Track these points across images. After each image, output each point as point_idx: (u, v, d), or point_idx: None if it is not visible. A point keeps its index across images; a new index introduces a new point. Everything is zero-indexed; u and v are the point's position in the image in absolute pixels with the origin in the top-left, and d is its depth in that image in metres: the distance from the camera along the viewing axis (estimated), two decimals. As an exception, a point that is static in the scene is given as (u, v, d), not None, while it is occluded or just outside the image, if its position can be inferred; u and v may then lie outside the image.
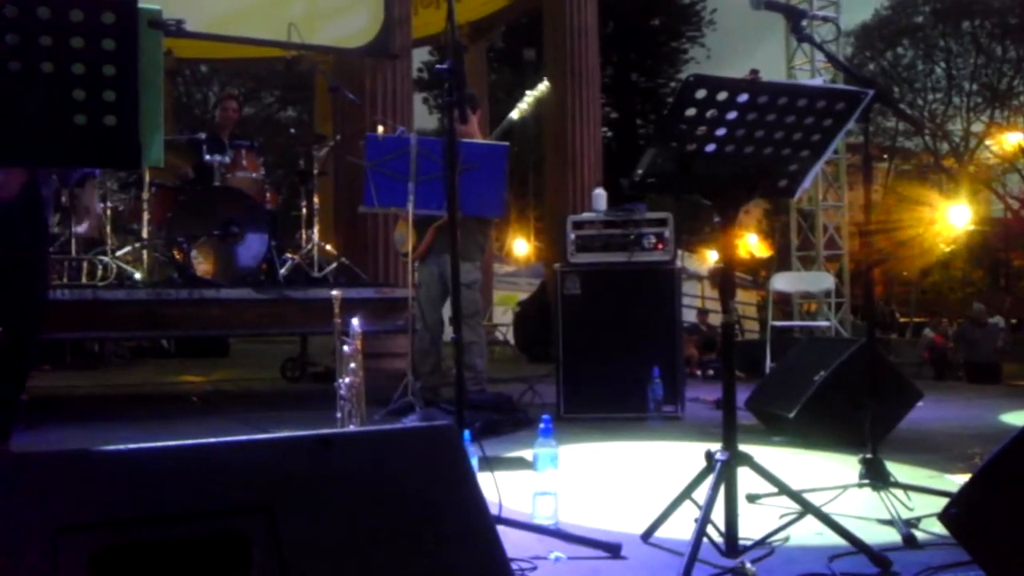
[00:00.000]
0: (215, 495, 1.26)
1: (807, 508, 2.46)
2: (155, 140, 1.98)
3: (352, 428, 3.01)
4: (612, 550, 2.44)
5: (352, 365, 3.00)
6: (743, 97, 2.32)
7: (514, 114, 5.20)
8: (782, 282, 9.35)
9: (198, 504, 1.23)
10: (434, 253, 5.41)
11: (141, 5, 1.79)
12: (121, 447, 1.26)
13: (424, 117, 28.26)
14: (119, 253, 5.94)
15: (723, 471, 2.34)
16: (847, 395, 4.18)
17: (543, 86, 5.18)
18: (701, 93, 2.28)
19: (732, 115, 2.33)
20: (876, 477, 3.06)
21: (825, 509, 2.52)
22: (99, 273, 5.71)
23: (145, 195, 6.00)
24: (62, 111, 1.87)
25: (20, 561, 1.10)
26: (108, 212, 6.03)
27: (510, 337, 13.41)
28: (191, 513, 1.22)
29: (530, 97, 5.14)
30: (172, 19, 2.02)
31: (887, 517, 2.71)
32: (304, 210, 6.81)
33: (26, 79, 1.83)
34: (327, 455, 1.33)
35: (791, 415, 4.32)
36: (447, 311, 5.44)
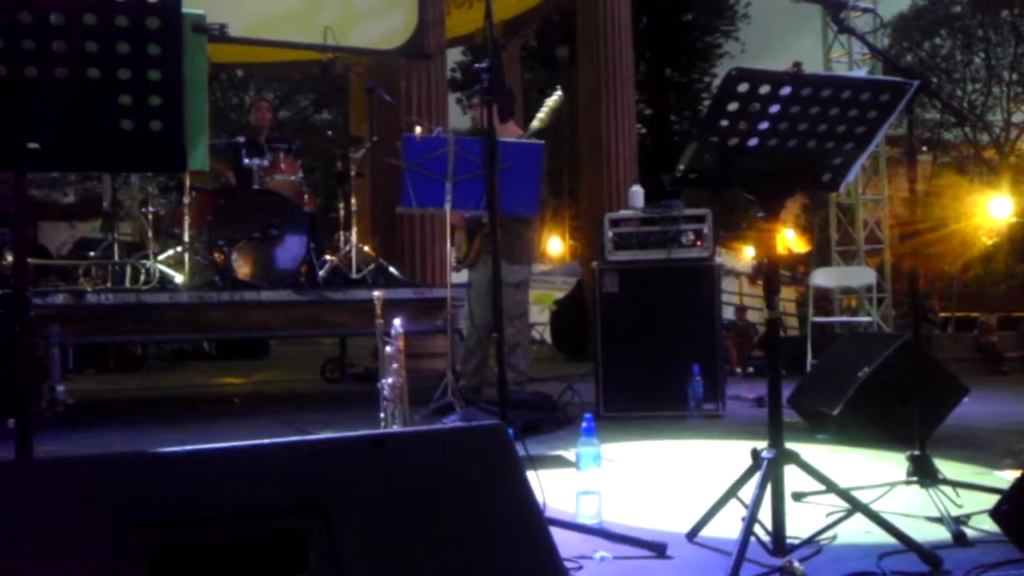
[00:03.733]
0: (271, 496, 1.26)
1: (855, 506, 2.43)
2: (200, 144, 2.00)
3: (399, 428, 3.02)
4: (658, 549, 2.43)
5: (395, 366, 3.01)
6: (786, 90, 2.29)
7: (535, 124, 5.20)
8: (822, 277, 9.26)
9: (255, 505, 1.24)
10: (484, 255, 5.42)
11: (185, 10, 1.80)
12: (178, 449, 1.27)
13: (457, 117, 28.29)
14: (161, 257, 6.01)
15: (770, 469, 2.31)
16: (891, 391, 4.13)
17: (556, 96, 5.17)
18: (743, 87, 2.26)
19: (775, 108, 2.31)
20: (924, 474, 3.02)
21: (873, 507, 2.49)
22: (142, 277, 5.79)
23: (186, 199, 6.06)
24: (108, 116, 1.89)
25: (82, 563, 1.11)
26: (150, 217, 6.10)
27: (547, 336, 13.39)
28: (248, 514, 1.23)
29: (546, 107, 5.14)
30: (215, 24, 2.04)
31: (936, 514, 2.67)
32: (342, 212, 6.84)
33: (73, 85, 1.86)
34: (380, 455, 1.33)
35: (835, 412, 4.27)
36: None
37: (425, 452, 1.41)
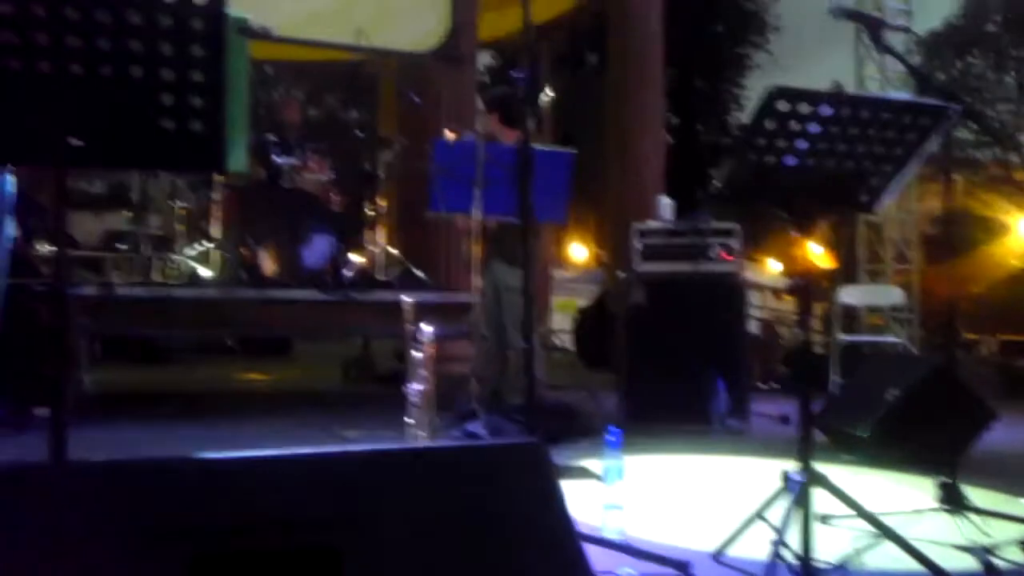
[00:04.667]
0: (308, 507, 1.26)
1: (884, 532, 2.40)
2: (239, 145, 2.01)
3: (426, 436, 3.02)
4: (682, 568, 2.41)
5: (423, 372, 3.01)
6: (825, 109, 2.28)
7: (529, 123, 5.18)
8: (849, 295, 9.18)
9: (291, 515, 1.24)
10: (489, 259, 5.40)
11: (230, 13, 1.81)
12: (215, 455, 1.27)
13: (485, 118, 28.22)
14: (189, 252, 6.05)
15: (800, 492, 2.29)
16: (921, 415, 4.09)
17: (547, 97, 5.15)
18: (783, 105, 2.25)
19: (814, 128, 2.29)
20: (952, 501, 2.98)
21: (901, 533, 2.46)
22: (170, 271, 5.82)
23: (215, 195, 6.09)
24: (150, 115, 1.90)
25: (118, 568, 1.11)
26: (178, 211, 6.14)
27: (568, 343, 13.36)
28: (284, 524, 1.23)
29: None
30: (259, 27, 2.04)
31: (964, 543, 2.64)
32: (369, 212, 6.86)
33: (116, 83, 1.87)
34: (417, 469, 1.33)
35: (864, 434, 4.22)
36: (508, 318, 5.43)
37: (462, 467, 1.40)
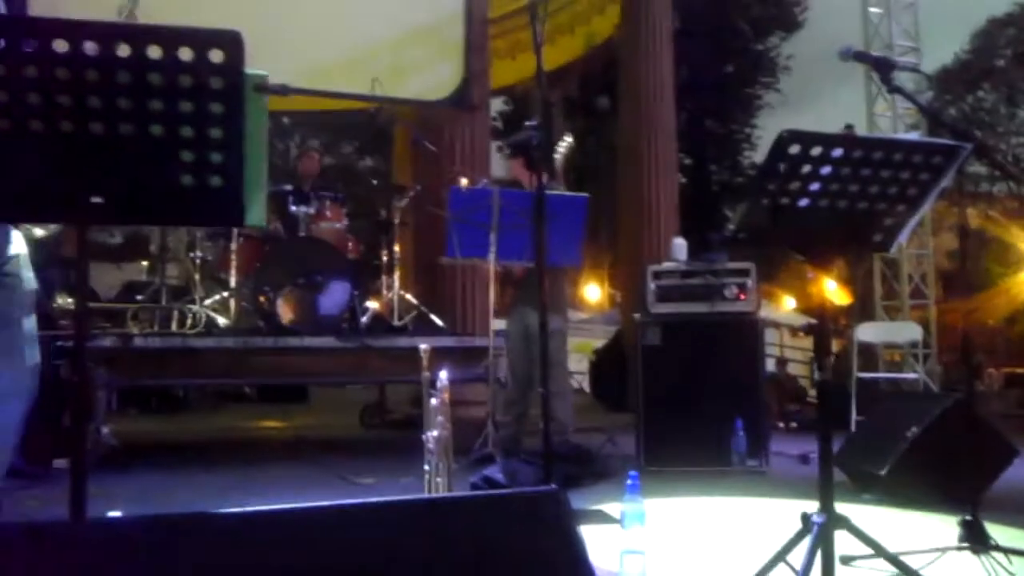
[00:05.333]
0: (328, 560, 1.26)
1: (907, 573, 2.38)
2: (257, 200, 2.03)
3: (444, 483, 3.02)
4: (704, 613, 2.39)
5: (440, 418, 3.01)
6: (837, 152, 2.29)
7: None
8: (867, 333, 9.14)
9: (313, 569, 1.24)
10: (518, 304, 5.43)
11: (248, 71, 1.84)
12: (233, 511, 1.28)
13: (498, 164, 28.47)
14: (207, 302, 6.09)
15: (821, 534, 2.27)
16: (941, 452, 4.06)
17: (567, 143, 5.19)
18: (795, 148, 2.26)
19: (826, 170, 2.31)
20: (976, 540, 2.94)
21: (924, 573, 2.44)
22: (188, 321, 5.87)
23: (233, 245, 6.15)
24: (170, 172, 1.93)
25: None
26: (197, 261, 6.20)
27: (585, 385, 13.32)
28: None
29: (558, 155, 5.17)
30: (277, 84, 2.08)
31: (990, 583, 2.61)
32: (385, 259, 6.90)
33: (136, 141, 1.90)
34: (436, 520, 1.33)
35: (883, 472, 4.19)
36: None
37: (481, 518, 1.40)
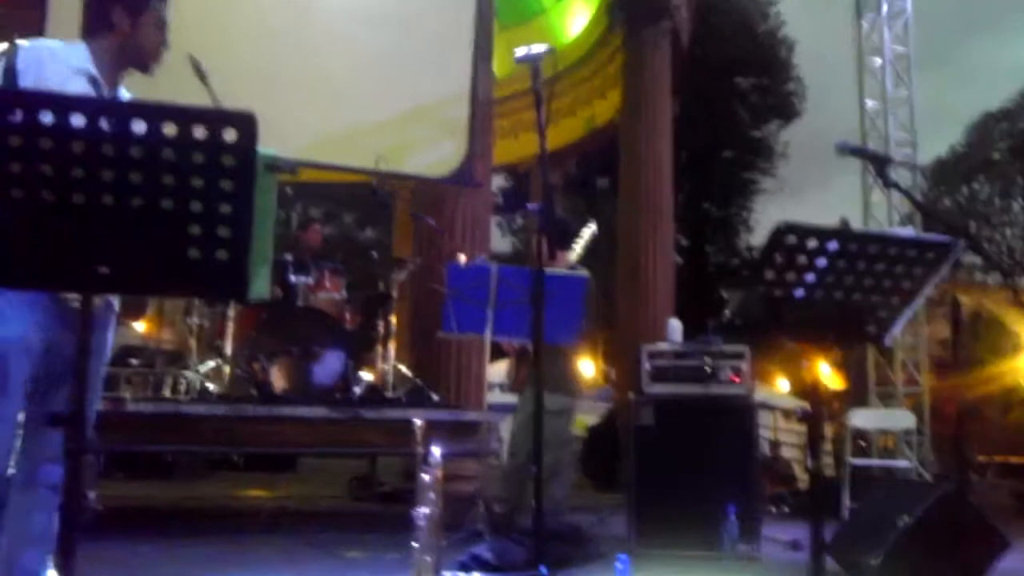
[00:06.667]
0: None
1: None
2: (261, 273, 2.06)
3: (431, 572, 2.99)
4: None
5: (431, 495, 3.00)
6: (832, 245, 2.34)
7: (571, 257, 5.31)
8: (861, 419, 9.13)
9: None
10: (528, 383, 5.44)
11: (260, 150, 1.88)
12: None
13: (497, 240, 28.66)
14: (202, 368, 6.09)
15: (812, 627, 2.26)
16: (932, 543, 4.03)
17: (591, 230, 5.28)
18: (791, 239, 2.31)
19: (822, 262, 2.35)
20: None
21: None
22: (182, 387, 5.85)
23: (230, 312, 6.17)
24: (177, 245, 1.96)
25: None
26: (194, 328, 6.21)
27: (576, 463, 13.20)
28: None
29: (581, 241, 5.25)
30: (287, 162, 2.13)
31: None
32: (381, 330, 6.92)
33: (146, 214, 1.93)
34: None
35: (875, 562, 4.15)
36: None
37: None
